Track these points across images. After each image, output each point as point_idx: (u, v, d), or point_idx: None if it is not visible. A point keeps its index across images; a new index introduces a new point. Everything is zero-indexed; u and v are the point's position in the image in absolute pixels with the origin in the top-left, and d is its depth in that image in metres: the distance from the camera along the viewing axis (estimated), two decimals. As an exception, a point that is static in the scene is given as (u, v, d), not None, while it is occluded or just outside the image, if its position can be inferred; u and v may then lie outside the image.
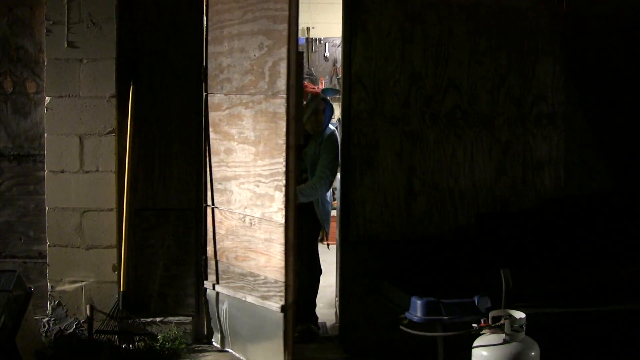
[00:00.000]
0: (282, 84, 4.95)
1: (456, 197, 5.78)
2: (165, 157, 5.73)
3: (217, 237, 5.66)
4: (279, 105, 4.97)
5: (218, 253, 5.67)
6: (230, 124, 5.43)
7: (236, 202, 5.43)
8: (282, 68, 4.93)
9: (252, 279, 5.33)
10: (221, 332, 5.73)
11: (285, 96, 4.92)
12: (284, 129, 4.95)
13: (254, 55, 5.17)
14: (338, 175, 6.00)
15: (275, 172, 5.04)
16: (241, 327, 5.53)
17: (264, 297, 5.21)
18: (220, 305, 5.68)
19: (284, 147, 4.95)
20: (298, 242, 5.97)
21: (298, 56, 5.01)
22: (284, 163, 4.97)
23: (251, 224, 5.29)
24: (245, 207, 5.34)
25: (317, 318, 6.14)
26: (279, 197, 5.02)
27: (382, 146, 5.69)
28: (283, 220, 4.99)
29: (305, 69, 10.35)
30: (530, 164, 5.83)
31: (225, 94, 5.46)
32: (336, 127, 6.15)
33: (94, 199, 5.63)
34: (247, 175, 5.32)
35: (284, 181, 4.98)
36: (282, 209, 5.00)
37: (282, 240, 5.02)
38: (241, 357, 5.53)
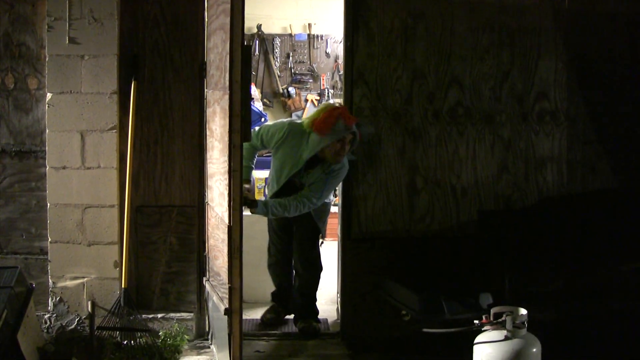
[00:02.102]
0: (227, 79, 4.71)
1: (458, 194, 5.78)
2: (167, 154, 5.73)
3: (207, 234, 5.67)
4: (226, 101, 4.72)
5: (208, 250, 5.68)
6: (212, 120, 5.39)
7: (214, 200, 5.39)
8: (227, 62, 4.70)
9: (219, 278, 5.21)
10: (210, 329, 5.78)
11: (229, 92, 4.67)
12: (227, 127, 4.69)
13: (219, 51, 5.05)
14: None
15: (224, 171, 4.80)
16: (215, 326, 5.56)
17: (221, 299, 5.08)
18: (208, 302, 5.69)
19: (227, 145, 4.71)
20: (296, 238, 5.97)
21: (244, 50, 4.68)
22: (228, 162, 4.71)
23: (218, 222, 5.20)
24: (217, 205, 5.25)
25: (317, 313, 6.13)
26: (226, 196, 4.78)
27: (384, 143, 5.69)
28: (227, 221, 4.80)
29: (307, 66, 10.34)
30: (533, 161, 5.83)
31: (211, 90, 5.44)
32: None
33: (95, 196, 5.63)
34: (217, 173, 5.18)
35: (226, 180, 4.75)
36: (227, 208, 4.77)
37: (227, 241, 4.78)
38: (215, 356, 5.55)
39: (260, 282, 6.54)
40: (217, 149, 5.13)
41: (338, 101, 9.95)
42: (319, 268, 6.02)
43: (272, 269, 6.19)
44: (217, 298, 5.18)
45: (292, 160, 5.60)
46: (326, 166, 5.56)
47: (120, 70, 5.61)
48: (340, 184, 5.84)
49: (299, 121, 5.77)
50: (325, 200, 5.85)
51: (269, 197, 5.79)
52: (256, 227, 6.51)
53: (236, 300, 4.78)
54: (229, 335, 4.84)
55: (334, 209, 7.67)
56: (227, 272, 4.81)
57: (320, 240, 6.09)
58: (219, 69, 5.07)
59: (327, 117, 5.38)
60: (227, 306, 4.82)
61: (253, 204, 5.43)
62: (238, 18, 4.61)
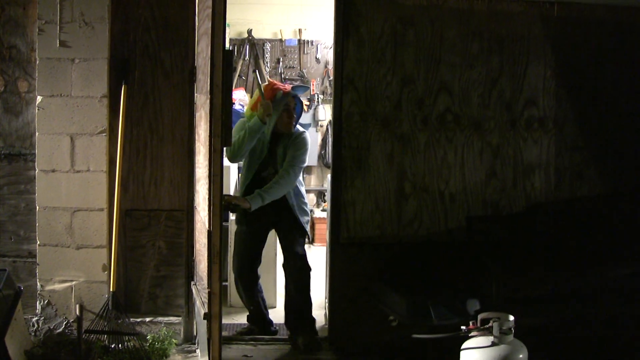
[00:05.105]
0: (208, 83, 4.71)
1: (447, 199, 5.79)
2: (157, 158, 5.74)
3: (195, 239, 5.67)
4: (209, 105, 4.72)
5: (195, 254, 5.68)
6: (199, 125, 5.39)
7: (199, 204, 5.39)
8: (209, 67, 4.70)
9: (202, 282, 5.18)
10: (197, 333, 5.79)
11: (210, 96, 4.68)
12: (208, 131, 4.70)
13: (204, 55, 5.03)
14: (329, 177, 5.97)
15: (206, 175, 4.80)
16: (199, 330, 5.58)
17: (202, 303, 5.07)
18: (195, 306, 5.70)
19: (208, 150, 4.72)
20: (286, 244, 5.87)
21: (225, 54, 4.70)
22: (208, 166, 4.71)
23: (202, 227, 5.18)
24: (201, 210, 5.23)
25: (314, 322, 5.97)
26: (207, 200, 4.79)
27: (373, 148, 5.71)
28: (207, 225, 4.80)
29: (297, 71, 10.36)
30: (521, 168, 5.85)
31: (199, 94, 5.44)
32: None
33: (84, 199, 5.63)
34: (203, 177, 5.14)
35: (206, 185, 4.76)
36: (208, 213, 4.76)
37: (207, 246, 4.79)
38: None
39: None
40: (202, 154, 5.13)
41: (327, 107, 10.01)
42: (309, 269, 5.89)
43: (241, 285, 6.02)
44: (200, 302, 5.19)
45: (258, 149, 5.77)
46: (286, 140, 5.77)
47: (111, 74, 5.62)
48: (329, 189, 5.86)
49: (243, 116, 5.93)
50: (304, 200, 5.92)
51: (241, 194, 5.83)
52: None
53: (215, 305, 4.76)
54: (208, 340, 4.83)
55: (322, 214, 7.67)
56: (206, 276, 4.81)
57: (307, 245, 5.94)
58: (204, 74, 5.06)
59: (267, 95, 5.67)
60: (205, 311, 4.82)
61: (237, 208, 5.48)
62: (219, 22, 4.61)
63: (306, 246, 6.39)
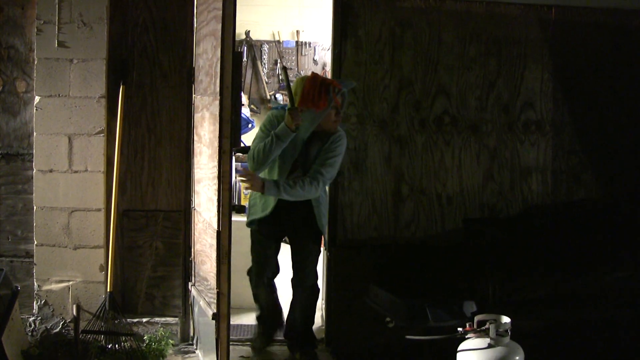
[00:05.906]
0: (217, 85, 4.69)
1: (444, 202, 5.80)
2: (154, 159, 5.73)
3: (194, 239, 5.69)
4: (216, 106, 4.70)
5: (194, 255, 5.70)
6: (201, 126, 5.40)
7: (201, 205, 5.40)
8: (218, 69, 4.68)
9: (206, 283, 5.20)
10: (196, 333, 5.80)
11: (219, 98, 4.65)
12: (217, 132, 4.67)
13: (209, 57, 5.05)
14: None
15: (213, 176, 4.78)
16: (201, 331, 5.59)
17: (208, 304, 5.07)
18: (194, 307, 5.73)
19: (217, 151, 4.68)
20: (297, 255, 5.50)
21: (235, 57, 4.71)
22: (217, 167, 4.67)
23: (205, 227, 5.20)
24: (204, 210, 5.24)
25: (315, 338, 5.77)
26: (215, 201, 4.75)
27: (370, 150, 5.71)
28: (215, 226, 4.78)
29: (295, 72, 10.37)
30: (518, 171, 5.87)
31: (200, 96, 5.45)
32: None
33: (82, 199, 5.62)
34: (205, 178, 5.16)
35: (215, 186, 4.74)
36: (217, 214, 4.73)
37: (215, 246, 4.77)
38: (201, 360, 5.56)
39: (246, 287, 6.54)
40: (206, 155, 5.14)
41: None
42: (318, 291, 5.60)
43: (262, 297, 5.75)
44: (204, 303, 5.19)
45: (290, 145, 5.17)
46: (323, 140, 5.22)
47: (109, 75, 5.61)
48: (327, 191, 5.83)
49: (278, 107, 5.41)
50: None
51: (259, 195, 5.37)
52: (242, 232, 6.51)
53: (224, 305, 4.80)
54: (216, 340, 4.85)
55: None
56: (215, 277, 4.83)
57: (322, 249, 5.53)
58: (208, 75, 5.09)
59: (316, 90, 5.03)
60: (214, 311, 4.84)
61: (241, 209, 5.37)
62: (229, 24, 4.63)
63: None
